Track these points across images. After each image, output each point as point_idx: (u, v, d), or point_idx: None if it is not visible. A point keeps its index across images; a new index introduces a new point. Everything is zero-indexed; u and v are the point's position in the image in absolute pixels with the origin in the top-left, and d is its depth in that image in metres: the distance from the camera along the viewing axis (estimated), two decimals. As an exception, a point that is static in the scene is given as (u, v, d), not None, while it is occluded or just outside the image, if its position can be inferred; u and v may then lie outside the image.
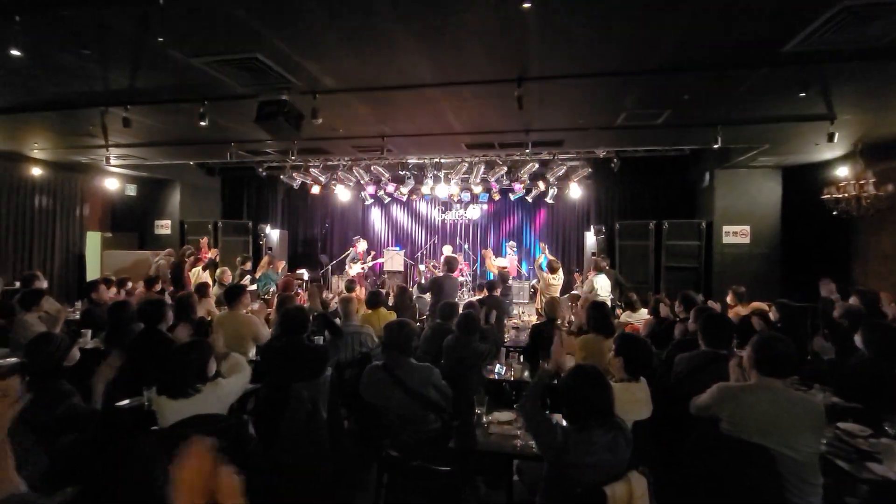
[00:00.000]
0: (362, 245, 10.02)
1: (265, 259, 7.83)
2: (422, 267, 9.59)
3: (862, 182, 5.73)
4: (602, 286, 6.41)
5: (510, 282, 8.96)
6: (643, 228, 8.52)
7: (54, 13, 2.96)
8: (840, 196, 5.94)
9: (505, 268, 9.19)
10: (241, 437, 1.98)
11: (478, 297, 6.18)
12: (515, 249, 9.70)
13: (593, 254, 8.74)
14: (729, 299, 5.42)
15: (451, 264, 5.85)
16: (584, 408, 1.89)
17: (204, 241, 7.61)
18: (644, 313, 5.01)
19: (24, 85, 4.28)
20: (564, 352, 2.47)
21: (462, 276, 9.69)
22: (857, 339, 3.09)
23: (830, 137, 4.78)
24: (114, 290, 5.87)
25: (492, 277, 9.10)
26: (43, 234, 8.31)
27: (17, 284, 6.07)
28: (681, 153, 7.73)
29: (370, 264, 10.10)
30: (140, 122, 5.34)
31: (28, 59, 3.66)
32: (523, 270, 9.76)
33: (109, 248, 9.23)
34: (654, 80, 4.03)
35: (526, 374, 3.74)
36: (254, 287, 6.90)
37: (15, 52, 3.51)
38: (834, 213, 6.10)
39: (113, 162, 7.62)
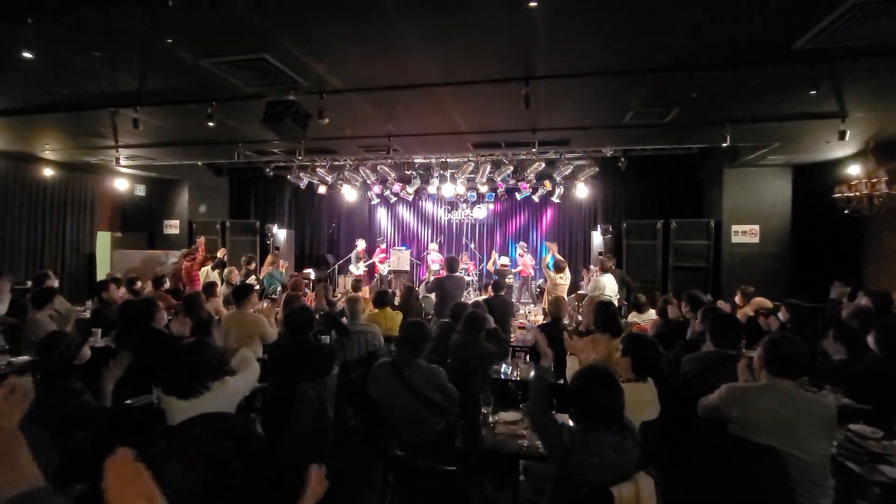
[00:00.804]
0: (361, 244, 10.12)
1: (269, 258, 7.87)
2: (434, 266, 9.64)
3: (874, 180, 5.64)
4: (607, 286, 6.36)
5: (510, 279, 8.98)
6: (651, 228, 8.46)
7: (65, 15, 2.99)
8: (851, 195, 5.86)
9: (505, 265, 9.16)
10: (248, 436, 1.99)
11: (484, 297, 6.17)
12: (526, 249, 9.68)
13: (600, 253, 8.68)
14: (737, 299, 5.36)
15: (452, 264, 5.83)
16: (592, 409, 1.87)
17: (200, 240, 7.66)
18: (652, 314, 4.98)
19: (36, 87, 4.33)
20: (548, 347, 2.44)
21: (468, 275, 9.69)
22: (870, 340, 3.05)
23: (842, 135, 4.72)
24: (123, 289, 5.92)
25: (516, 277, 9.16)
26: (54, 234, 8.41)
27: (29, 283, 6.15)
28: (689, 152, 7.65)
29: (378, 262, 10.16)
30: (149, 122, 5.39)
31: (39, 62, 3.71)
32: (533, 267, 9.75)
33: (119, 248, 9.33)
34: (662, 79, 3.99)
35: (532, 373, 3.73)
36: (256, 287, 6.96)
37: (26, 55, 3.56)
38: (845, 211, 6.02)
39: (123, 162, 7.69)
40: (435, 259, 10.04)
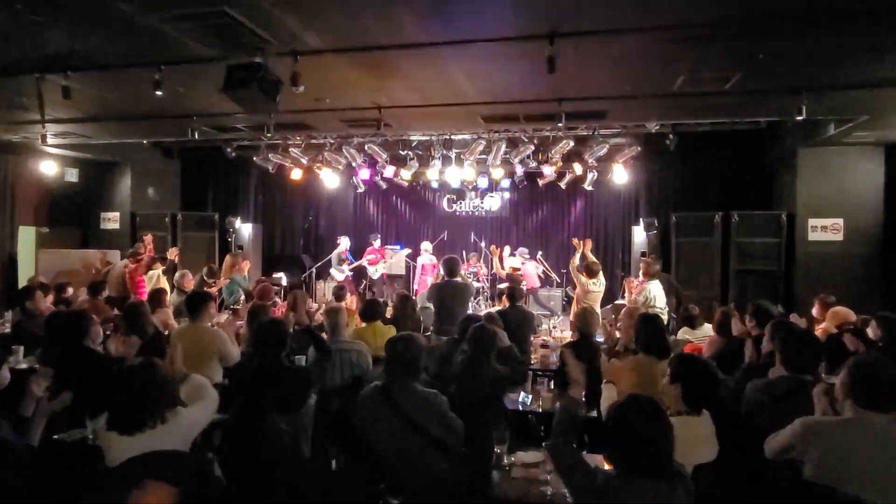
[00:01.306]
0: (345, 242, 10.21)
1: (227, 260, 7.87)
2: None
3: None
4: (658, 296, 6.35)
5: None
6: (706, 222, 8.43)
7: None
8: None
9: (518, 270, 9.14)
10: (204, 480, 2.00)
11: (498, 308, 6.18)
12: (528, 256, 9.70)
13: (643, 254, 8.64)
14: (815, 311, 5.33)
15: (451, 267, 5.82)
16: (634, 449, 1.88)
17: (148, 238, 7.71)
18: (707, 330, 4.97)
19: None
20: (580, 372, 2.45)
21: (478, 281, 9.69)
22: None
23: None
24: (51, 297, 5.95)
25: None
26: (-35, 230, 8.48)
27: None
28: (755, 127, 7.62)
29: (368, 264, 10.19)
30: (83, 92, 5.42)
31: (-53, 16, 3.74)
32: (539, 276, 9.73)
33: (46, 247, 9.39)
34: (721, 35, 3.98)
35: (557, 404, 3.73)
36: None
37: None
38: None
39: (50, 141, 7.73)
40: (426, 262, 10.05)
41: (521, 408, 3.80)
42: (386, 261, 10.47)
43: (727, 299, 7.79)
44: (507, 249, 9.89)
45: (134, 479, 1.76)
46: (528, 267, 9.60)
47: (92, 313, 3.81)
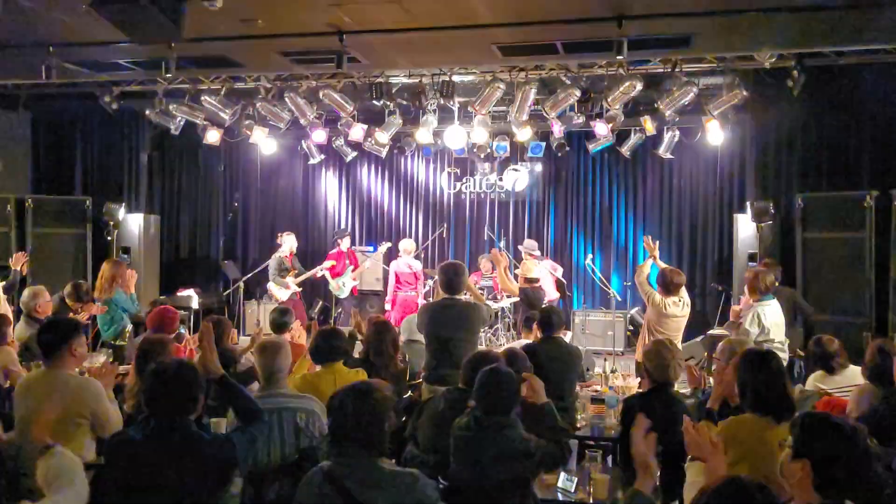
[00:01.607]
0: (290, 242, 10.20)
1: (106, 270, 7.81)
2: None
3: None
4: (775, 323, 6.31)
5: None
6: (852, 207, 8.42)
7: None
8: None
9: (536, 282, 9.10)
10: None
11: (525, 342, 6.13)
12: (538, 253, 9.64)
13: (752, 256, 8.60)
14: None
15: (451, 279, 5.75)
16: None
17: None
18: (854, 375, 4.93)
19: None
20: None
21: (494, 300, 9.70)
22: None
23: None
24: None
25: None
26: None
27: None
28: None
29: (329, 274, 10.20)
30: None
31: None
32: (557, 280, 9.66)
33: None
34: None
35: (619, 494, 3.68)
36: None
37: None
38: None
39: None
40: (403, 269, 10.09)
41: (560, 497, 3.77)
42: (358, 268, 10.44)
43: (886, 328, 7.79)
44: (506, 256, 9.62)
45: None
46: (543, 268, 9.48)
47: None
